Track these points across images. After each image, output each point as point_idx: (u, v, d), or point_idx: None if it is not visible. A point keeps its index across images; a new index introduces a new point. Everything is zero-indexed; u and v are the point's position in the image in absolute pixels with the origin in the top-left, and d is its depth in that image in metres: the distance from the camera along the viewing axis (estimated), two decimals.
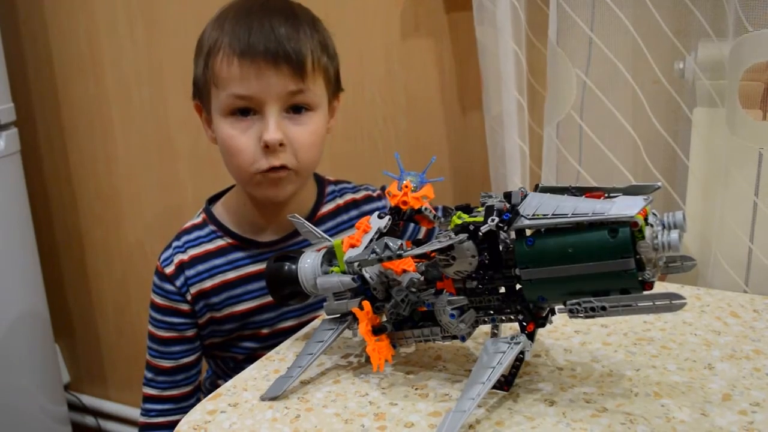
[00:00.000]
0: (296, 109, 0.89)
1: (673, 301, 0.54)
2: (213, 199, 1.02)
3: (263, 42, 0.85)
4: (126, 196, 1.71)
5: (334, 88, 0.95)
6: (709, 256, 0.98)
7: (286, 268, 0.74)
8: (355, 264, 0.67)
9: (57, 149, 1.77)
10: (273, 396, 0.67)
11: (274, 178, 0.89)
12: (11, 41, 1.68)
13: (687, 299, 0.82)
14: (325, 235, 0.76)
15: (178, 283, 0.96)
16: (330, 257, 0.73)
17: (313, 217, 0.98)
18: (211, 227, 0.98)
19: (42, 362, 1.71)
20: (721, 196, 0.95)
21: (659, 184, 0.58)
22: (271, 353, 0.76)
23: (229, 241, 0.97)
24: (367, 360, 0.71)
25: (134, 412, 1.88)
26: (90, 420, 1.95)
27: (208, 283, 0.96)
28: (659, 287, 0.75)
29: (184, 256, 0.97)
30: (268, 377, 0.70)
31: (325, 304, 0.72)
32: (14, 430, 1.65)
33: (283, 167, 0.88)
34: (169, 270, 0.96)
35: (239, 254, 0.97)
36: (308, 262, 0.73)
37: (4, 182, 1.58)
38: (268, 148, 0.87)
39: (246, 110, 0.88)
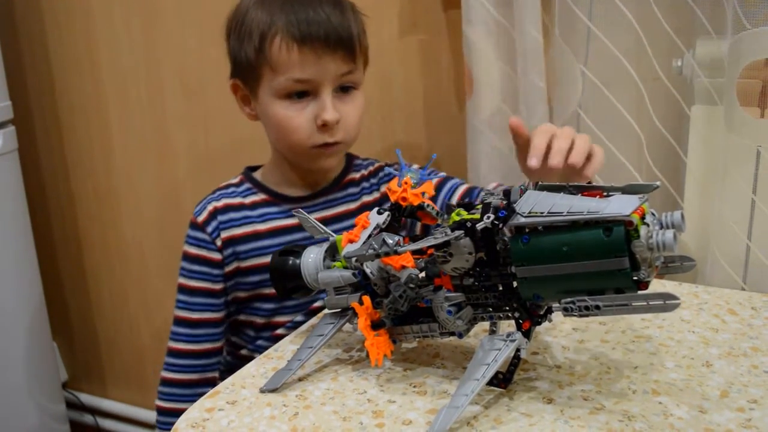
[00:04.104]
0: (344, 88, 0.96)
1: (667, 302, 0.54)
2: (250, 170, 1.08)
3: (323, 29, 0.91)
4: (124, 194, 1.71)
5: (365, 63, 1.01)
6: (707, 254, 0.99)
7: (290, 262, 0.74)
8: (353, 259, 0.68)
9: (54, 147, 1.77)
10: (272, 388, 0.67)
11: (327, 152, 0.96)
12: (9, 39, 1.68)
13: (685, 297, 0.83)
14: (329, 230, 0.77)
15: (210, 228, 1.00)
16: (333, 252, 0.73)
17: (341, 181, 1.04)
18: (248, 185, 1.04)
19: (40, 360, 1.70)
20: (719, 193, 0.95)
21: (658, 183, 0.58)
22: (270, 351, 0.76)
23: (263, 196, 1.02)
24: (367, 355, 0.71)
25: (133, 410, 1.88)
26: (88, 418, 1.95)
27: (238, 231, 1.00)
28: (656, 285, 0.75)
29: (218, 203, 1.01)
30: (266, 375, 0.70)
31: (326, 298, 0.72)
32: (12, 428, 1.64)
33: (336, 143, 0.95)
34: (201, 218, 1.00)
35: (271, 209, 1.01)
36: (311, 257, 0.74)
37: (2, 180, 1.58)
38: (325, 126, 0.93)
39: (302, 93, 0.93)
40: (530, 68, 1.07)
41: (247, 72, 0.97)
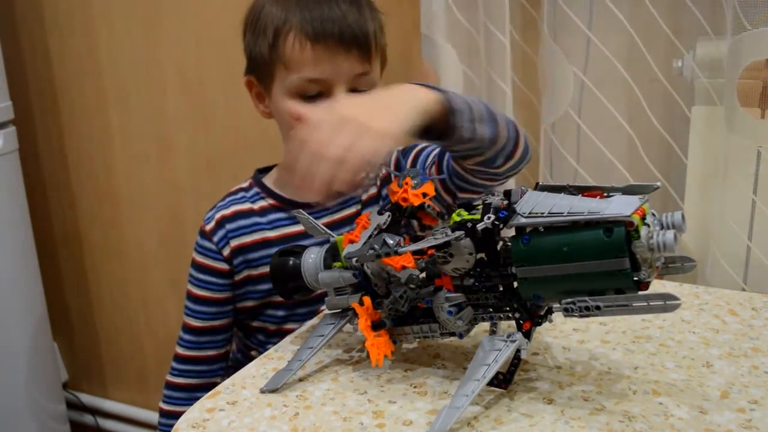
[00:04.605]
0: (360, 90, 0.93)
1: (667, 302, 0.54)
2: (260, 171, 1.07)
3: (337, 26, 0.89)
4: (124, 195, 1.71)
5: (383, 63, 0.99)
6: (707, 255, 0.99)
7: (290, 263, 0.74)
8: (353, 259, 0.67)
9: (55, 148, 1.77)
10: (272, 388, 0.68)
11: None
12: (9, 39, 1.68)
13: (686, 297, 0.83)
14: (329, 231, 0.77)
15: (216, 238, 0.99)
16: (333, 253, 0.73)
17: None
18: (256, 189, 1.02)
19: (40, 361, 1.70)
20: (720, 194, 0.95)
21: (658, 184, 0.58)
22: (270, 351, 0.76)
23: (272, 202, 1.00)
24: (368, 355, 0.71)
25: (133, 411, 1.88)
26: (88, 418, 1.95)
27: (248, 239, 0.99)
28: (657, 285, 0.75)
29: (227, 211, 1.00)
30: (266, 375, 0.70)
31: (326, 298, 0.72)
32: (13, 428, 1.64)
33: None
34: (209, 226, 1.00)
35: (280, 215, 1.00)
36: (311, 258, 0.74)
37: (3, 181, 1.58)
38: None
39: (314, 95, 0.91)
40: (494, 70, 1.08)
41: (261, 69, 0.95)
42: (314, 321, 0.82)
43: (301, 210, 0.80)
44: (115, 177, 1.71)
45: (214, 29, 1.46)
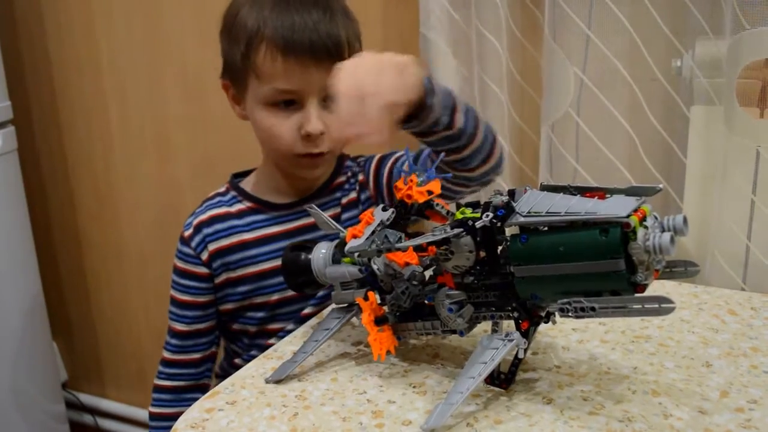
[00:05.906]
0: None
1: (662, 305, 0.53)
2: (237, 176, 1.07)
3: (307, 38, 0.88)
4: (123, 195, 1.71)
5: None
6: (706, 254, 0.99)
7: (302, 257, 0.75)
8: (355, 254, 0.68)
9: (54, 147, 1.77)
10: (277, 379, 0.69)
11: (310, 162, 0.95)
12: (8, 39, 1.68)
13: (685, 297, 0.83)
14: (339, 226, 0.77)
15: (194, 243, 1.00)
16: (342, 248, 0.74)
17: (329, 186, 1.02)
18: (233, 193, 1.03)
19: (40, 360, 1.71)
20: (719, 193, 0.95)
21: (661, 186, 0.58)
22: (269, 351, 0.76)
23: (249, 204, 1.01)
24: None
25: (132, 411, 1.88)
26: (88, 418, 1.95)
27: (225, 242, 0.99)
28: (656, 285, 0.75)
29: (204, 216, 1.01)
30: (265, 375, 0.70)
31: (333, 293, 0.73)
32: (12, 428, 1.64)
33: (321, 153, 0.93)
34: (187, 232, 1.01)
35: (258, 217, 1.00)
36: (322, 253, 0.74)
37: (2, 180, 1.58)
38: (309, 137, 0.91)
39: (288, 102, 0.92)
40: (487, 71, 1.09)
41: (235, 75, 0.96)
42: (312, 322, 0.82)
43: (313, 205, 0.81)
44: (114, 177, 1.71)
45: (214, 29, 1.45)
